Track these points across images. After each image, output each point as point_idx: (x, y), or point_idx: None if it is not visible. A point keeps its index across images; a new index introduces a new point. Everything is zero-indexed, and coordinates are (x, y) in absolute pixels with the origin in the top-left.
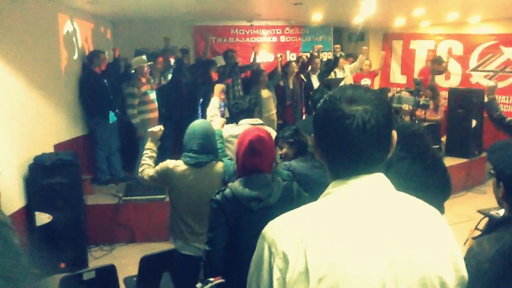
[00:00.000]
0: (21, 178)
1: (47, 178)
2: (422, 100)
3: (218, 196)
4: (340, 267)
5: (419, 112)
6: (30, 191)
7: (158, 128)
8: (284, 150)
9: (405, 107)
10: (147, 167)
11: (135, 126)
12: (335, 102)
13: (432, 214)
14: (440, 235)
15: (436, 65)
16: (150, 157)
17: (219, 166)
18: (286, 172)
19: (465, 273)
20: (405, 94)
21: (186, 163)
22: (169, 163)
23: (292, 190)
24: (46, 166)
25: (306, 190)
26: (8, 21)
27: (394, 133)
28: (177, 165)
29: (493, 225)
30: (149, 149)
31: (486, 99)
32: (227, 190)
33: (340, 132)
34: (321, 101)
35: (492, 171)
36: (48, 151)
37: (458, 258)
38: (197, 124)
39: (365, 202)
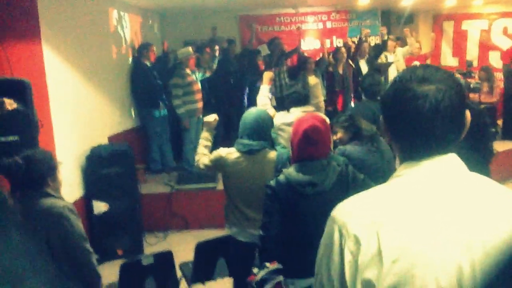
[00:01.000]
0: (79, 168)
1: (103, 168)
2: (473, 83)
3: (272, 182)
4: (414, 250)
5: (473, 95)
6: (88, 181)
7: (213, 118)
8: (339, 135)
9: None
10: (202, 156)
11: (180, 117)
12: (406, 83)
13: (508, 195)
14: None
15: None
16: (205, 146)
17: (273, 154)
18: (342, 158)
19: None
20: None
21: (238, 150)
22: (222, 151)
23: (348, 174)
24: (103, 156)
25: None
26: (61, 18)
27: (468, 113)
28: (230, 152)
29: None
30: (204, 138)
31: None
32: (281, 176)
33: (412, 113)
34: (391, 82)
35: None
36: (103, 143)
37: None
38: (251, 111)
39: (439, 183)
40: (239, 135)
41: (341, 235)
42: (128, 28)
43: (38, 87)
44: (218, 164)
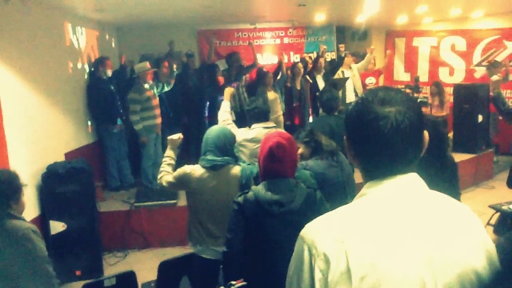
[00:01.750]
0: (35, 187)
1: (60, 186)
2: (420, 97)
3: (240, 199)
4: (380, 266)
5: (425, 109)
6: (44, 200)
7: (177, 136)
8: (300, 150)
9: None
10: (166, 174)
11: (138, 132)
12: (368, 104)
13: (464, 211)
14: (473, 230)
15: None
16: (169, 164)
17: (237, 169)
18: (307, 172)
19: (498, 263)
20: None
21: (203, 166)
22: (187, 168)
23: (315, 197)
24: (59, 174)
25: (323, 188)
26: (16, 31)
27: (426, 133)
28: (194, 169)
29: None
30: (168, 156)
31: (492, 94)
32: (250, 193)
33: (374, 134)
34: (353, 103)
35: None
36: (59, 160)
37: (492, 252)
38: (213, 128)
39: (401, 202)
40: (202, 152)
41: (310, 254)
42: (85, 42)
43: None
44: (183, 181)
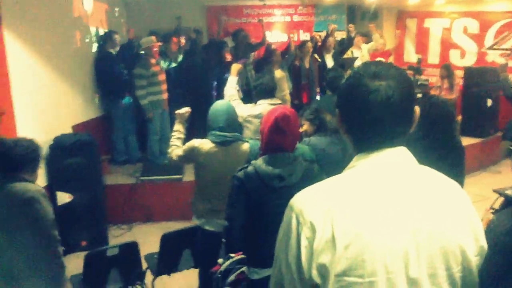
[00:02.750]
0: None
1: (67, 158)
2: (420, 80)
3: (240, 174)
4: (365, 235)
5: (434, 91)
6: (51, 171)
7: (185, 110)
8: (305, 127)
9: None
10: (176, 148)
11: (144, 108)
12: (359, 78)
13: (453, 186)
14: (460, 206)
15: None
16: (178, 138)
17: (246, 146)
18: (306, 147)
19: (484, 244)
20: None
21: (212, 141)
22: (195, 141)
23: (313, 170)
24: (66, 146)
25: (323, 164)
26: (23, 3)
27: (417, 108)
28: (203, 143)
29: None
30: (177, 131)
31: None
32: (250, 168)
33: (364, 107)
34: (346, 77)
35: (511, 147)
36: (67, 132)
37: (478, 228)
38: (221, 103)
39: (388, 174)
40: (210, 127)
41: (298, 222)
42: (93, 16)
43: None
44: (192, 155)
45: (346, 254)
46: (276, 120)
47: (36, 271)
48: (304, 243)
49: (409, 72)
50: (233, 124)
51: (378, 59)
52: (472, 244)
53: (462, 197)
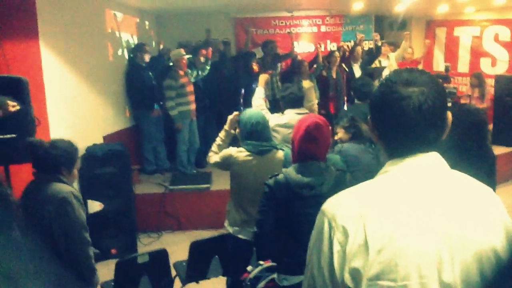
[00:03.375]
0: None
1: (98, 168)
2: (449, 88)
3: (270, 181)
4: (398, 240)
5: (464, 100)
6: (82, 181)
7: (233, 115)
8: (340, 135)
9: None
10: (214, 154)
11: (173, 118)
12: (392, 85)
13: (486, 191)
14: (494, 211)
15: None
16: (218, 144)
17: (280, 154)
18: (337, 156)
19: None
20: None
21: (248, 150)
22: (232, 150)
23: (345, 180)
24: (98, 156)
25: (354, 171)
26: (59, 17)
27: (449, 114)
28: (240, 151)
29: None
30: (220, 137)
31: None
32: (281, 176)
33: (397, 113)
34: (374, 86)
35: None
36: (98, 142)
37: (510, 227)
38: (253, 112)
39: (421, 179)
40: (242, 136)
41: (330, 226)
42: (125, 29)
43: (35, 85)
44: (228, 163)
45: (379, 258)
46: (307, 128)
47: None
48: (336, 247)
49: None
50: (267, 133)
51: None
52: (507, 248)
53: (495, 202)
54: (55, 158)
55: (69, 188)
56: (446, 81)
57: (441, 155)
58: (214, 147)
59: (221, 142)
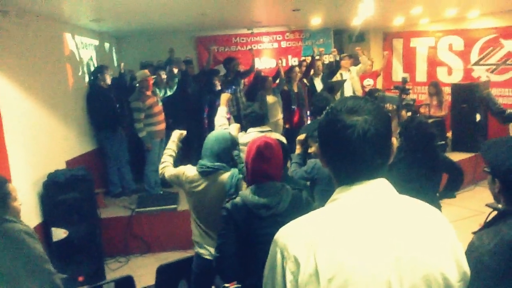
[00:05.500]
0: (36, 195)
1: (61, 194)
2: (406, 99)
3: (227, 204)
4: (347, 267)
5: (423, 109)
6: (45, 208)
7: (182, 132)
8: (313, 148)
9: (389, 106)
10: (168, 165)
11: (143, 140)
12: (337, 113)
13: (434, 214)
14: (442, 234)
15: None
16: (170, 155)
17: (225, 175)
18: (303, 182)
19: (467, 269)
20: (392, 93)
21: (196, 170)
22: (184, 168)
23: (301, 198)
24: (60, 182)
25: (326, 190)
26: (15, 43)
27: (394, 140)
28: (189, 171)
29: (492, 219)
30: (169, 148)
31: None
32: (237, 198)
33: (342, 142)
34: (323, 112)
35: (486, 169)
36: (60, 168)
37: (460, 255)
38: (212, 134)
39: (369, 206)
40: (201, 156)
41: (282, 256)
42: (84, 52)
43: None
44: (179, 180)
45: (330, 286)
46: (258, 148)
47: None
48: (289, 277)
49: (396, 91)
50: (220, 154)
51: (367, 79)
52: (455, 270)
53: (443, 224)
54: None
55: (19, 226)
56: (404, 92)
57: (392, 167)
58: (167, 158)
59: (173, 153)
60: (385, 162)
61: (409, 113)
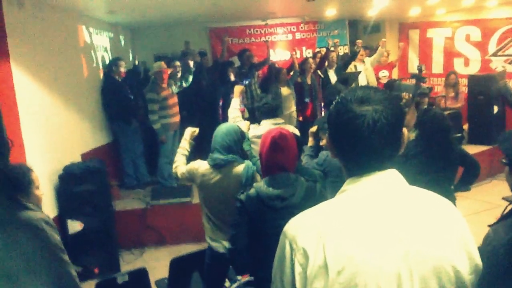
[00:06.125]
0: (52, 188)
1: (76, 186)
2: (423, 88)
3: (242, 196)
4: (357, 260)
5: (439, 100)
6: (61, 200)
7: (194, 129)
8: (324, 141)
9: (405, 95)
10: (180, 164)
11: (157, 131)
12: (346, 103)
13: (445, 206)
14: (453, 226)
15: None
16: (182, 154)
17: (240, 167)
18: (317, 172)
19: (479, 262)
20: (409, 81)
21: (208, 163)
22: (196, 163)
23: (315, 190)
24: (76, 175)
25: (336, 182)
26: (30, 35)
27: (405, 130)
28: (202, 165)
29: (509, 212)
30: (182, 147)
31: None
32: (252, 190)
33: (352, 132)
34: (334, 102)
35: (504, 160)
36: (75, 160)
37: (471, 247)
38: (221, 126)
39: (379, 197)
40: (211, 149)
41: (291, 248)
42: (99, 44)
43: (8, 105)
44: (191, 175)
45: (339, 279)
46: (273, 138)
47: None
48: (298, 269)
49: (412, 80)
50: (231, 147)
51: (382, 71)
52: (466, 262)
53: (454, 216)
54: (8, 184)
55: (38, 214)
56: (421, 80)
57: (409, 159)
58: (179, 157)
59: (185, 152)
60: (395, 153)
61: (426, 99)
